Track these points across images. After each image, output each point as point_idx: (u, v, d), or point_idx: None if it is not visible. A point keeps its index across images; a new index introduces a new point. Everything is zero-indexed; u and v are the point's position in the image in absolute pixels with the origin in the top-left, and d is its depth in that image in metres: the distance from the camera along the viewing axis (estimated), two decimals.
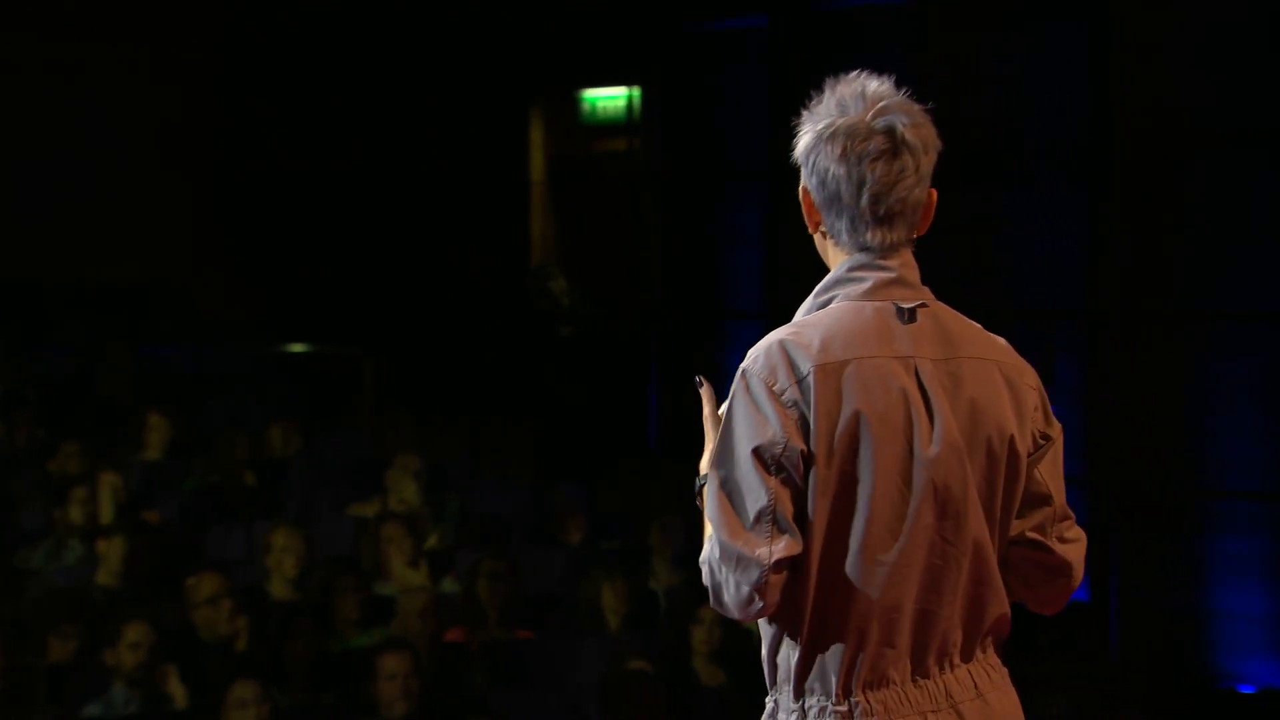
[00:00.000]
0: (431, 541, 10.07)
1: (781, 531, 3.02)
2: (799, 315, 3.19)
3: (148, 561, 9.02)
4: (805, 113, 3.19)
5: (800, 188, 3.21)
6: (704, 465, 3.21)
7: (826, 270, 3.23)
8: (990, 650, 3.19)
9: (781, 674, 3.15)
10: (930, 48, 11.36)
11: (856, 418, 3.05)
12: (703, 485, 3.17)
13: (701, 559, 3.13)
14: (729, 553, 3.04)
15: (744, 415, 3.07)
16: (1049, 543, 3.20)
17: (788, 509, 3.03)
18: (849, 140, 3.11)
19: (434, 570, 9.54)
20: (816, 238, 3.24)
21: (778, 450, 3.03)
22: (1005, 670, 3.21)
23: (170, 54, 14.27)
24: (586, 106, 14.90)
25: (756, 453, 3.04)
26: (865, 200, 3.12)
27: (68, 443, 10.60)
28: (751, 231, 12.43)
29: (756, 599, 3.03)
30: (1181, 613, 10.29)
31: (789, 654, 3.13)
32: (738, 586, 3.04)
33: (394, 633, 8.46)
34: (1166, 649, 10.34)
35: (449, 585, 9.43)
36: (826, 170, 3.13)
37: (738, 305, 12.88)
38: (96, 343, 12.73)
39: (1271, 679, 10.01)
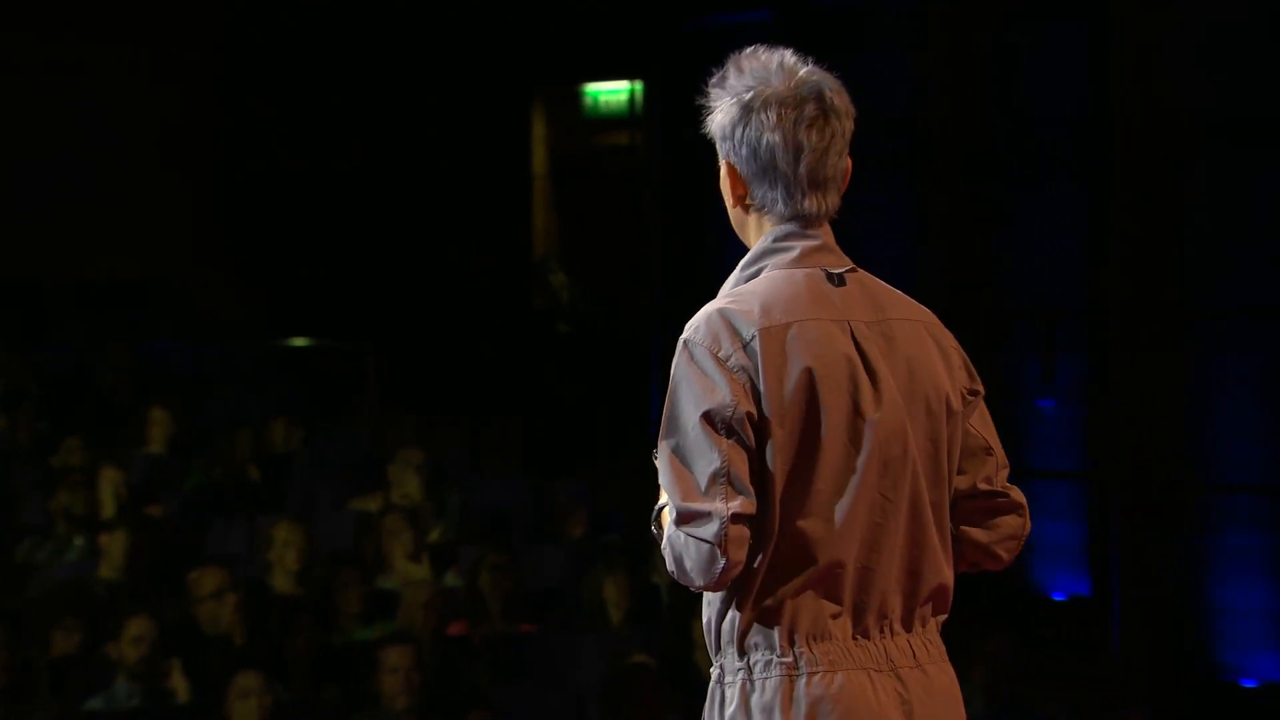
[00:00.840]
0: (434, 536, 10.07)
1: (737, 491, 3.01)
2: (725, 289, 3.20)
3: (150, 556, 9.02)
4: (713, 90, 3.19)
5: (722, 163, 3.21)
6: (664, 505, 3.19)
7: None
8: (930, 625, 3.19)
9: (725, 638, 3.13)
10: (930, 47, 11.36)
11: (805, 377, 3.06)
12: (660, 510, 3.16)
13: (663, 545, 3.11)
14: (686, 514, 3.02)
15: (690, 383, 3.06)
16: (998, 488, 3.24)
17: (742, 470, 3.02)
18: (782, 108, 3.13)
19: (436, 564, 9.54)
20: (736, 212, 3.24)
21: (728, 413, 3.03)
22: (944, 649, 3.22)
23: (170, 54, 14.26)
24: (588, 101, 14.89)
25: (706, 416, 3.03)
26: (803, 167, 3.14)
27: (69, 438, 10.60)
28: None
29: (718, 556, 3.00)
30: (1183, 608, 10.30)
31: (734, 616, 3.11)
32: (698, 546, 3.01)
33: (396, 627, 8.46)
34: (1168, 644, 10.34)
35: (451, 579, 9.43)
36: (759, 139, 3.14)
37: None
38: (97, 341, 12.71)
39: (1273, 673, 10.01)
